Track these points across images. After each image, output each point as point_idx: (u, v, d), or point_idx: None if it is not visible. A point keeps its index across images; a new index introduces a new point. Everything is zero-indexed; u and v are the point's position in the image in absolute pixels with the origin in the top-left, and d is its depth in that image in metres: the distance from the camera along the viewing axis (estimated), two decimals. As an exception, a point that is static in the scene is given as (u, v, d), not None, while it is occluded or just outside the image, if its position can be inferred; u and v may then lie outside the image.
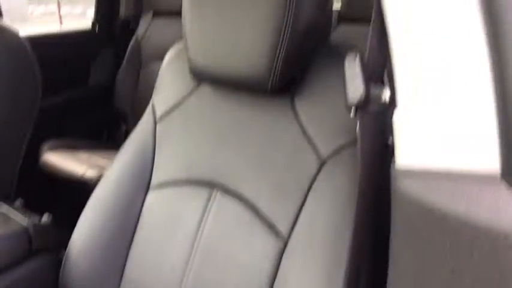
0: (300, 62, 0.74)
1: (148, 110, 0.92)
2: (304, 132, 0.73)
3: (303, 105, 0.74)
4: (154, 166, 0.87)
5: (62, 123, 1.92)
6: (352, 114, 0.48)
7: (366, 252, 0.54)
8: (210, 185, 0.80)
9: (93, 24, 2.20)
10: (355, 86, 0.45)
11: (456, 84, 0.36)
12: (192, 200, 0.81)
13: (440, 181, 0.37)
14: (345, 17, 1.90)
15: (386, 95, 0.47)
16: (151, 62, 2.03)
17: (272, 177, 0.74)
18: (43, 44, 1.77)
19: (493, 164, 0.35)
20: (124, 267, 0.83)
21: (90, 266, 0.83)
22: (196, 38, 0.77)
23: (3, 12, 1.35)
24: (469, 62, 0.36)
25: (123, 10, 2.28)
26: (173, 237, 0.81)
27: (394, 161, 0.41)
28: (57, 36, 2.02)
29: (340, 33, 1.87)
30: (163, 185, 0.85)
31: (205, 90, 0.85)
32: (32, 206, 1.00)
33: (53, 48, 1.88)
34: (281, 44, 0.68)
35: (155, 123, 0.89)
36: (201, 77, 0.81)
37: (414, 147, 0.39)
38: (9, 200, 1.00)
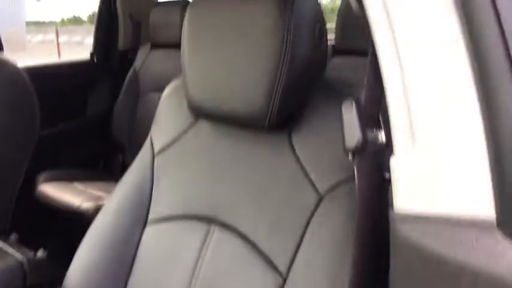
0: (297, 98, 0.75)
1: (147, 143, 0.93)
2: (301, 167, 0.73)
3: (300, 141, 0.75)
4: (152, 200, 0.87)
5: (59, 153, 1.92)
6: (350, 157, 0.49)
7: None
8: (208, 220, 0.80)
9: (92, 54, 2.23)
10: (352, 132, 0.47)
11: (452, 130, 0.37)
12: (190, 236, 0.80)
13: (439, 226, 0.37)
14: (339, 49, 1.95)
15: (382, 136, 0.48)
16: (149, 93, 2.05)
17: (270, 212, 0.74)
18: (42, 74, 1.79)
19: (490, 210, 0.36)
20: None
21: None
22: (195, 74, 0.78)
23: (3, 41, 1.37)
24: (464, 108, 0.37)
25: (122, 41, 2.32)
26: (171, 273, 0.80)
27: (392, 205, 0.42)
28: (56, 67, 2.04)
29: (335, 65, 1.91)
30: (161, 219, 0.84)
31: (203, 125, 0.86)
32: (27, 237, 0.99)
33: (51, 79, 1.90)
34: (278, 81, 0.70)
35: (153, 157, 0.90)
36: (199, 112, 0.82)
37: (412, 192, 0.40)
38: (4, 234, 0.99)
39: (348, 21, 1.90)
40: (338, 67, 1.87)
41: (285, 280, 0.69)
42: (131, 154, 2.07)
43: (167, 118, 0.91)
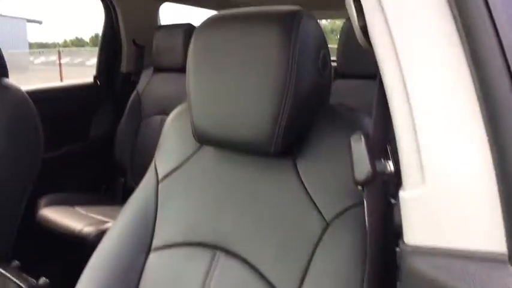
0: (302, 124, 0.75)
1: (151, 169, 0.93)
2: (307, 194, 0.73)
3: (305, 167, 0.75)
4: (156, 226, 0.86)
5: (61, 176, 1.92)
6: (359, 188, 0.50)
7: None
8: (213, 247, 0.79)
9: (95, 77, 2.25)
10: (361, 165, 0.47)
11: (461, 164, 0.37)
12: (194, 263, 0.80)
13: (451, 260, 0.37)
14: (340, 72, 1.97)
15: (390, 166, 0.48)
16: (151, 116, 2.06)
17: (276, 239, 0.73)
18: (45, 97, 1.81)
19: (502, 245, 0.35)
20: None
21: None
22: (200, 100, 0.79)
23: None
24: (473, 142, 0.37)
25: (125, 64, 2.34)
26: None
27: (402, 237, 0.42)
28: (60, 90, 2.06)
29: (338, 88, 1.92)
30: (165, 246, 0.83)
31: (208, 151, 0.86)
32: (28, 263, 0.98)
33: (55, 102, 1.91)
34: (284, 108, 0.70)
35: (157, 182, 0.89)
36: (203, 139, 0.82)
37: (422, 226, 0.40)
38: (5, 261, 0.98)
39: (349, 45, 1.91)
40: (341, 90, 1.88)
41: None
42: (133, 177, 2.07)
43: (171, 143, 0.91)
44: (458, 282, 0.36)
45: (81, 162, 2.04)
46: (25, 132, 1.16)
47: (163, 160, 0.91)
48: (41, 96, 1.54)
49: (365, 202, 0.51)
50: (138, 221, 0.87)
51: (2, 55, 1.26)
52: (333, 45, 2.06)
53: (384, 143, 0.48)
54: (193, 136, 0.82)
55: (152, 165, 0.93)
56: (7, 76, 1.26)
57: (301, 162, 0.75)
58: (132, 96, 2.13)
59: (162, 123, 2.04)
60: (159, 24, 2.49)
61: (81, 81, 2.26)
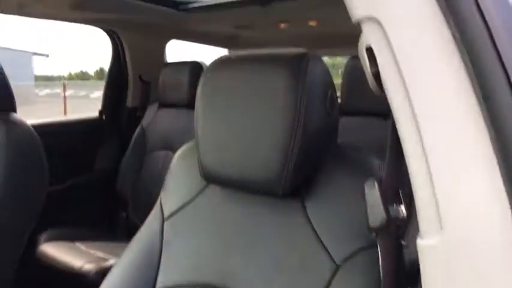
0: (311, 164, 0.75)
1: (157, 206, 0.92)
2: (316, 235, 0.72)
3: (313, 208, 0.74)
4: (160, 266, 0.84)
5: (63, 210, 1.90)
6: (373, 235, 0.49)
7: None
8: None
9: (101, 112, 2.27)
10: (376, 212, 0.47)
11: (481, 213, 0.37)
12: None
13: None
14: (345, 110, 1.98)
15: (403, 211, 0.47)
16: (155, 151, 2.07)
17: (284, 281, 0.72)
18: (51, 132, 1.82)
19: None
20: None
21: None
22: (208, 141, 0.79)
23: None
24: (494, 190, 0.36)
25: (131, 99, 2.37)
26: None
27: (421, 285, 0.41)
28: (65, 125, 2.08)
29: (343, 125, 1.92)
30: (170, 287, 0.82)
31: (215, 190, 0.85)
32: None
33: (60, 136, 1.92)
34: (292, 148, 0.70)
35: (163, 221, 0.88)
36: (210, 178, 0.81)
37: (441, 274, 0.39)
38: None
39: (353, 82, 1.93)
40: (345, 127, 1.89)
41: None
42: (135, 211, 2.05)
43: (178, 181, 0.91)
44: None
45: (84, 196, 2.03)
46: (31, 168, 1.16)
47: (170, 198, 0.90)
48: (46, 130, 1.55)
49: (378, 247, 0.50)
50: (142, 259, 0.85)
51: (11, 90, 1.28)
52: (336, 81, 2.08)
53: (396, 187, 0.48)
54: (201, 174, 0.82)
55: (158, 202, 0.92)
56: (15, 111, 1.28)
57: (310, 203, 0.75)
58: (137, 130, 2.15)
59: (166, 158, 2.04)
60: (165, 60, 2.54)
61: (87, 115, 2.28)
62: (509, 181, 0.35)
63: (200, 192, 0.87)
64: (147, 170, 2.05)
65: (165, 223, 0.87)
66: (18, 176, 1.12)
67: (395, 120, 0.41)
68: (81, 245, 1.69)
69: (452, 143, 0.37)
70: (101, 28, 2.26)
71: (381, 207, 0.47)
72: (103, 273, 0.89)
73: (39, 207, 1.20)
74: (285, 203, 0.76)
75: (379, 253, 0.51)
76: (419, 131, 0.38)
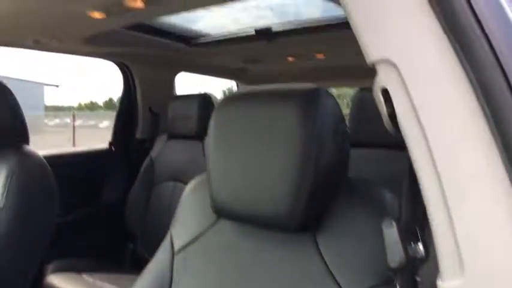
0: (323, 199, 0.75)
1: (166, 240, 0.91)
2: (328, 271, 0.71)
3: (326, 243, 0.73)
4: None
5: (70, 240, 1.90)
6: (391, 274, 0.49)
7: None
8: None
9: (110, 143, 2.29)
10: (394, 251, 0.47)
11: (502, 253, 0.36)
12: None
13: None
14: (353, 142, 1.98)
15: (421, 251, 0.47)
16: (164, 182, 2.07)
17: None
18: (62, 162, 1.84)
19: None
20: None
21: None
22: (219, 175, 0.79)
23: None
24: None
25: (140, 131, 2.39)
26: None
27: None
28: (75, 155, 2.09)
29: (352, 158, 1.91)
30: None
31: (226, 224, 0.85)
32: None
33: (70, 167, 1.94)
34: (304, 184, 0.70)
35: (173, 255, 0.87)
36: (221, 212, 0.81)
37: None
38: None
39: (361, 114, 1.94)
40: (354, 159, 1.88)
41: None
42: (143, 243, 2.04)
43: (189, 215, 0.91)
44: None
45: (92, 227, 2.02)
46: (42, 200, 1.16)
47: (180, 232, 0.90)
48: (57, 161, 1.56)
49: (397, 286, 0.49)
50: None
51: (25, 123, 1.30)
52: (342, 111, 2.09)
53: (413, 225, 0.48)
54: (212, 209, 0.82)
55: (168, 235, 0.92)
56: (28, 143, 1.29)
57: (322, 238, 0.74)
58: (146, 161, 2.16)
59: (174, 189, 2.04)
60: (174, 92, 2.57)
61: (97, 147, 2.30)
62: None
63: (211, 226, 0.86)
64: (155, 201, 2.05)
65: (175, 257, 0.87)
66: (29, 207, 1.12)
67: (412, 161, 0.41)
68: (87, 277, 1.67)
69: (472, 187, 0.37)
70: (112, 61, 2.31)
71: (400, 246, 0.46)
72: (109, 306, 0.88)
73: (48, 239, 1.19)
74: (297, 237, 0.76)
75: None
76: (437, 175, 0.38)
